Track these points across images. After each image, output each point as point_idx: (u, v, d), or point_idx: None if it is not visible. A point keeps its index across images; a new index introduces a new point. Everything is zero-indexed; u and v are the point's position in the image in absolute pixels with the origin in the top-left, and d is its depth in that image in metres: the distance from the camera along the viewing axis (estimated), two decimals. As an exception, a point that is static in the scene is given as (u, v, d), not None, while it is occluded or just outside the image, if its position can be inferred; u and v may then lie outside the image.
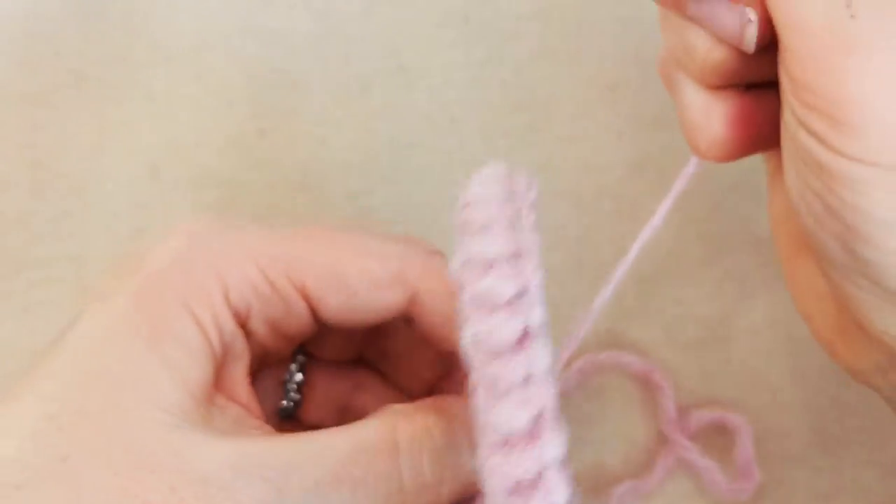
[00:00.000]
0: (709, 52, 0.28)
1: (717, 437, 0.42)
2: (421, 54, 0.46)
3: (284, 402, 0.37)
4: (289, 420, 0.37)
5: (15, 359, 0.43)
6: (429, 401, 0.33)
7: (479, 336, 0.23)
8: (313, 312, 0.33)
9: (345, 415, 0.37)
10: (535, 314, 0.23)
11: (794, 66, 0.24)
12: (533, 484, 0.23)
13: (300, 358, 0.37)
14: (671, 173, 0.45)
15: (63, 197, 0.44)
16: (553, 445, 0.23)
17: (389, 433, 0.30)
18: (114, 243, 0.44)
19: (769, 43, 0.26)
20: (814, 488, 0.41)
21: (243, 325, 0.31)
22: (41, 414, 0.27)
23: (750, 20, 0.26)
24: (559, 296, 0.43)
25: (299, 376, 0.37)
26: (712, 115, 0.29)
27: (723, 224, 0.44)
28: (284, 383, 0.37)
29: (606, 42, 0.46)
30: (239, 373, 0.32)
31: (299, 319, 0.32)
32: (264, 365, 0.35)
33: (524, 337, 0.23)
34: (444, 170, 0.45)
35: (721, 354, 0.43)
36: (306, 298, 0.32)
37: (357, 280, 0.32)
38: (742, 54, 0.27)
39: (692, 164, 0.34)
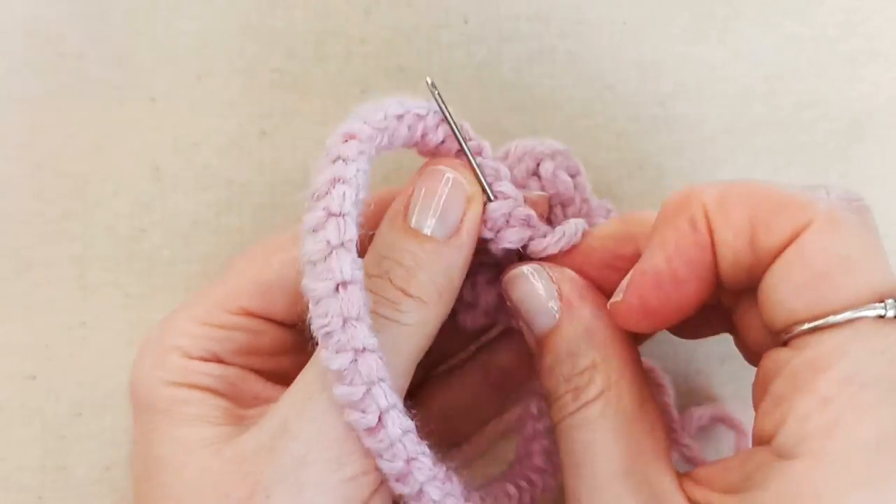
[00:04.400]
0: None
1: (717, 436, 0.42)
2: (420, 55, 0.46)
3: None
4: None
5: (16, 358, 0.43)
6: None
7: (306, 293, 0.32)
8: (272, 320, 0.37)
9: None
10: (339, 273, 0.31)
11: None
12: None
13: None
14: (671, 173, 0.45)
15: (65, 197, 0.44)
16: (366, 367, 0.31)
17: None
18: (115, 244, 0.44)
19: None
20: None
21: (221, 362, 0.36)
22: None
23: None
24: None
25: None
26: None
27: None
28: None
29: (605, 42, 0.46)
30: (254, 386, 0.37)
31: (266, 331, 0.37)
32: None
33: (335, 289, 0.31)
34: (445, 170, 0.45)
35: (719, 353, 0.43)
36: (254, 314, 0.37)
37: (281, 273, 0.36)
38: None
39: None
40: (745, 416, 0.42)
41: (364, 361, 0.30)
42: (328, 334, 0.31)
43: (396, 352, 0.33)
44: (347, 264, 0.31)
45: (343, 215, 0.31)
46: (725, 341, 0.43)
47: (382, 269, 0.33)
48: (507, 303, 0.36)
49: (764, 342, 0.32)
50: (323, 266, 0.31)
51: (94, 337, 0.43)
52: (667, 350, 0.43)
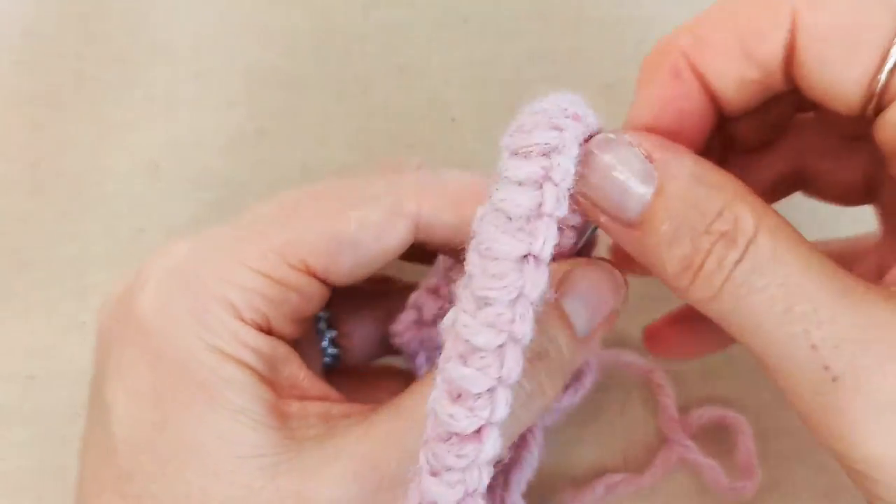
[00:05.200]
0: None
1: (718, 436, 0.42)
2: (420, 54, 0.46)
3: (326, 360, 0.36)
4: (335, 371, 0.37)
5: (16, 358, 0.43)
6: None
7: (482, 244, 0.25)
8: (324, 282, 0.32)
9: (384, 345, 0.37)
10: (538, 243, 0.25)
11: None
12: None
13: (323, 314, 0.36)
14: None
15: (63, 197, 0.44)
16: (508, 363, 0.24)
17: None
18: (114, 243, 0.44)
19: None
20: (815, 486, 0.41)
21: (269, 331, 0.31)
22: None
23: None
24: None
25: (332, 332, 0.37)
26: None
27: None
28: (319, 343, 0.36)
29: (604, 41, 0.46)
30: (296, 371, 0.31)
31: (316, 295, 0.32)
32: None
33: (524, 258, 0.25)
34: (444, 169, 0.45)
35: (722, 353, 0.42)
36: (312, 274, 0.31)
37: (357, 234, 0.31)
38: None
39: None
40: (747, 415, 0.42)
41: (511, 352, 0.24)
42: (488, 301, 0.24)
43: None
44: (550, 240, 0.25)
45: (559, 187, 0.25)
46: (731, 341, 0.42)
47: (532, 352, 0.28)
48: (579, 197, 0.28)
49: (843, 133, 0.29)
50: (524, 224, 0.24)
51: (94, 337, 0.43)
52: (668, 350, 0.43)
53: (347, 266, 0.31)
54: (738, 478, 0.40)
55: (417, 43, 0.46)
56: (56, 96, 0.45)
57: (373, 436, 0.29)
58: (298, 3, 0.46)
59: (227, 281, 0.30)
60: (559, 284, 0.29)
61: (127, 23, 0.46)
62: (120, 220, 0.44)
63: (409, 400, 0.29)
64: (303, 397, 0.30)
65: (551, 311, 0.29)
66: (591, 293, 0.29)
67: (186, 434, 0.28)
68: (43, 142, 0.45)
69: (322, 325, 0.36)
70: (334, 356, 0.37)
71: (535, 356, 0.28)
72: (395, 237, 0.31)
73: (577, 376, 0.35)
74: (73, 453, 0.42)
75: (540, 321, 0.26)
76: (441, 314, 0.29)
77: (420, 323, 0.34)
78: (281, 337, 0.31)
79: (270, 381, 0.30)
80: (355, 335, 0.36)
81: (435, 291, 0.34)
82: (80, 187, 0.44)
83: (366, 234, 0.31)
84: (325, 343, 0.36)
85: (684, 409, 0.42)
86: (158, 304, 0.29)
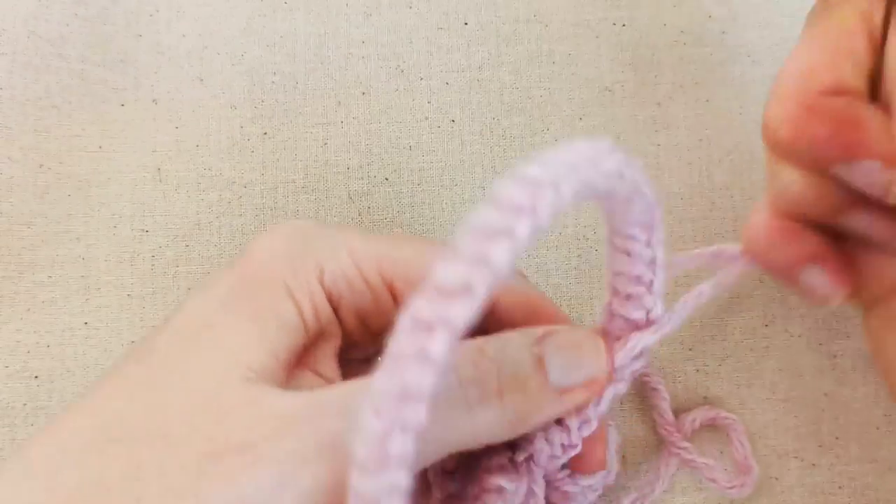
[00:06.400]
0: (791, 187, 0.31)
1: (714, 436, 0.42)
2: (421, 57, 0.46)
3: None
4: None
5: (19, 359, 0.43)
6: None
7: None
8: (398, 303, 0.34)
9: None
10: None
11: None
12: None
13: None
14: (669, 174, 0.45)
15: (67, 198, 0.44)
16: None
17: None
18: (118, 244, 0.44)
19: None
20: (810, 485, 0.41)
21: (335, 311, 0.34)
22: (142, 378, 0.30)
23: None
24: (559, 295, 0.43)
25: None
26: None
27: (718, 223, 0.44)
28: None
29: (603, 44, 0.46)
30: (328, 352, 0.34)
31: (386, 315, 0.35)
32: (347, 358, 0.36)
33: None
34: (444, 171, 0.45)
35: (717, 353, 0.43)
36: (394, 296, 0.34)
37: (422, 263, 0.34)
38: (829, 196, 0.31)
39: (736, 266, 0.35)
40: (743, 416, 0.42)
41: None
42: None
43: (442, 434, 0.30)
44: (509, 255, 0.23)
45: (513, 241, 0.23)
46: (726, 340, 0.43)
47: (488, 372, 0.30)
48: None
49: None
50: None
51: (97, 337, 0.43)
52: (666, 350, 0.43)
53: (410, 288, 0.34)
54: (735, 477, 0.41)
55: (417, 45, 0.46)
56: (59, 99, 0.45)
57: (337, 387, 0.31)
58: (300, 7, 0.46)
59: (329, 252, 0.33)
60: (543, 335, 0.32)
61: (130, 25, 0.46)
62: (123, 221, 0.44)
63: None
64: (317, 373, 0.33)
65: (524, 346, 0.31)
66: (570, 350, 0.32)
67: (218, 331, 0.31)
68: (47, 143, 0.45)
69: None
70: None
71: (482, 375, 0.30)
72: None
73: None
74: (76, 452, 0.43)
75: (508, 353, 0.29)
76: None
77: None
78: (342, 327, 0.34)
79: (311, 341, 0.33)
80: None
81: None
82: (83, 189, 0.44)
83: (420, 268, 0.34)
84: None
85: (679, 411, 0.42)
86: (266, 242, 0.33)
